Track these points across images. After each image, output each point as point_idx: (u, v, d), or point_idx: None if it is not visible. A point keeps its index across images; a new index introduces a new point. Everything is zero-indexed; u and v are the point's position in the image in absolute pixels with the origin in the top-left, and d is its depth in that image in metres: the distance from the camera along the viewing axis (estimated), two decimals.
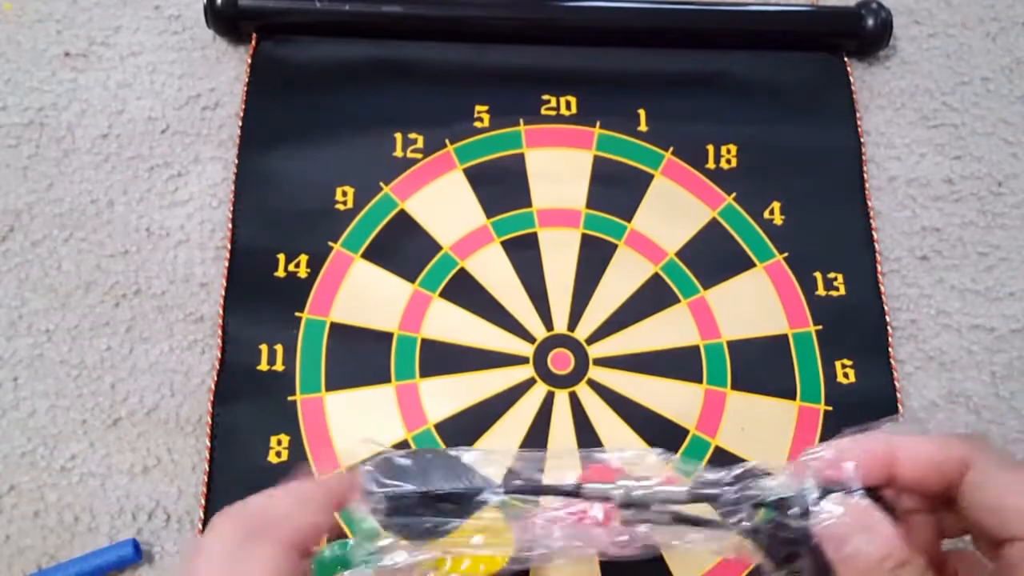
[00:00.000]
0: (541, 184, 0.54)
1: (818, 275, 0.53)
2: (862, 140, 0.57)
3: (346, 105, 0.56)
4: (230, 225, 0.52)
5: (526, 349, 0.51)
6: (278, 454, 0.48)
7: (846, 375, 0.51)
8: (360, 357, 0.50)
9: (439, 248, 0.52)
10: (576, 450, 0.47)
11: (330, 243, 0.52)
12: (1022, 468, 0.25)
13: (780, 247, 0.54)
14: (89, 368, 0.50)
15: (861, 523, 0.24)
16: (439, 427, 0.49)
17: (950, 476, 0.25)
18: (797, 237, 0.54)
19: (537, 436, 0.49)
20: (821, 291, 0.53)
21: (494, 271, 0.52)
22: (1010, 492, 0.24)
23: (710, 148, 0.56)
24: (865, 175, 0.56)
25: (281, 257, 0.52)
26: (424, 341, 0.50)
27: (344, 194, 0.53)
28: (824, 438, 0.49)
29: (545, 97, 0.57)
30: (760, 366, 0.51)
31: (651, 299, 0.52)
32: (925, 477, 0.25)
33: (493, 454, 0.35)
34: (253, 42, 0.57)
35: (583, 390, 0.50)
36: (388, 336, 0.50)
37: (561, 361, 0.50)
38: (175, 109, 0.56)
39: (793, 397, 0.50)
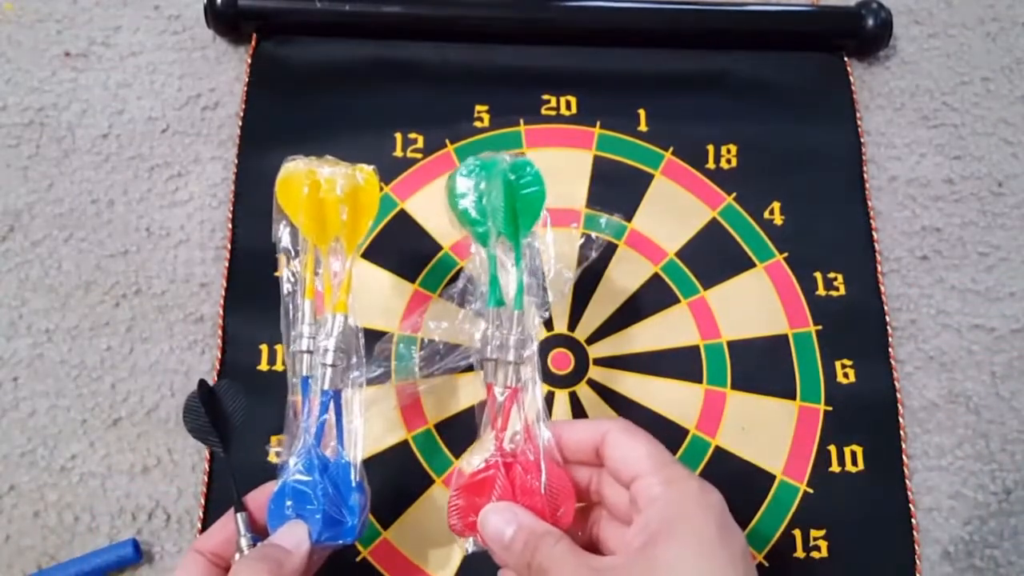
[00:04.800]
0: None
1: (818, 275, 0.53)
2: (862, 140, 0.57)
3: (346, 105, 0.56)
4: (230, 225, 0.52)
5: None
6: (278, 454, 0.48)
7: (846, 375, 0.51)
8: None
9: (439, 248, 0.52)
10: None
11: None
12: (638, 433, 0.36)
13: (780, 247, 0.54)
14: (89, 368, 0.50)
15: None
16: (439, 427, 0.49)
17: (595, 445, 0.36)
18: (797, 237, 0.54)
19: None
20: (821, 291, 0.53)
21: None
22: (628, 449, 0.35)
23: (710, 148, 0.56)
24: (865, 175, 0.56)
25: (282, 257, 0.52)
26: (424, 341, 0.50)
27: None
28: (824, 438, 0.49)
29: (545, 97, 0.57)
30: (760, 366, 0.51)
31: (651, 299, 0.52)
32: (580, 448, 0.37)
33: None
34: (253, 42, 0.57)
35: (583, 390, 0.50)
36: (388, 336, 0.50)
37: (561, 361, 0.50)
38: (175, 109, 0.56)
39: (793, 397, 0.50)
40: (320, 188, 0.41)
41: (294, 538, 0.37)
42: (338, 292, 0.40)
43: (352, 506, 0.39)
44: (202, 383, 0.41)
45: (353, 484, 0.39)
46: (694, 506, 0.33)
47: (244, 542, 0.38)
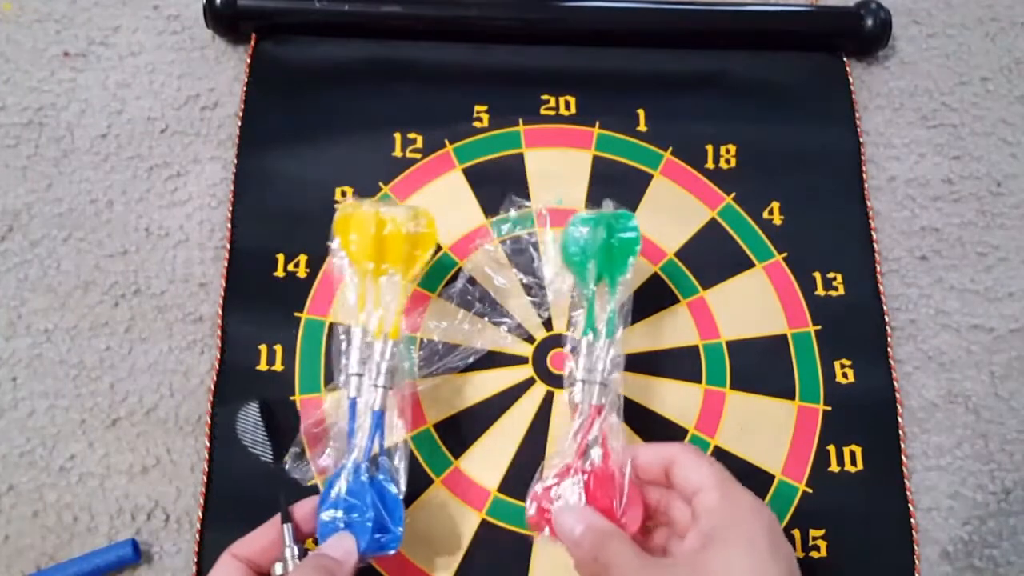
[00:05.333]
0: (541, 184, 0.54)
1: (817, 275, 0.53)
2: (861, 140, 0.57)
3: (346, 105, 0.56)
4: (229, 225, 0.52)
5: (525, 349, 0.51)
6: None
7: (845, 375, 0.51)
8: None
9: (438, 248, 0.52)
10: None
11: (329, 243, 0.52)
12: (703, 456, 0.39)
13: (779, 247, 0.54)
14: (88, 368, 0.50)
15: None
16: (438, 427, 0.49)
17: (664, 466, 0.40)
18: (796, 237, 0.54)
19: (536, 436, 0.49)
20: (820, 291, 0.53)
21: (494, 271, 0.52)
22: (694, 469, 0.38)
23: (709, 148, 0.56)
24: (864, 175, 0.56)
25: (280, 257, 0.52)
26: (424, 341, 0.50)
27: (344, 194, 0.53)
28: (823, 438, 0.49)
29: (544, 97, 0.57)
30: (759, 366, 0.51)
31: (650, 299, 0.52)
32: (651, 468, 0.40)
33: None
34: (252, 42, 0.57)
35: None
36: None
37: (560, 361, 0.50)
38: (174, 109, 0.56)
39: (792, 397, 0.50)
40: (384, 226, 0.45)
41: (343, 549, 0.39)
42: (392, 319, 0.44)
43: (397, 518, 0.41)
44: (262, 402, 0.46)
45: (400, 497, 0.41)
46: (748, 515, 0.36)
47: (289, 552, 0.39)
